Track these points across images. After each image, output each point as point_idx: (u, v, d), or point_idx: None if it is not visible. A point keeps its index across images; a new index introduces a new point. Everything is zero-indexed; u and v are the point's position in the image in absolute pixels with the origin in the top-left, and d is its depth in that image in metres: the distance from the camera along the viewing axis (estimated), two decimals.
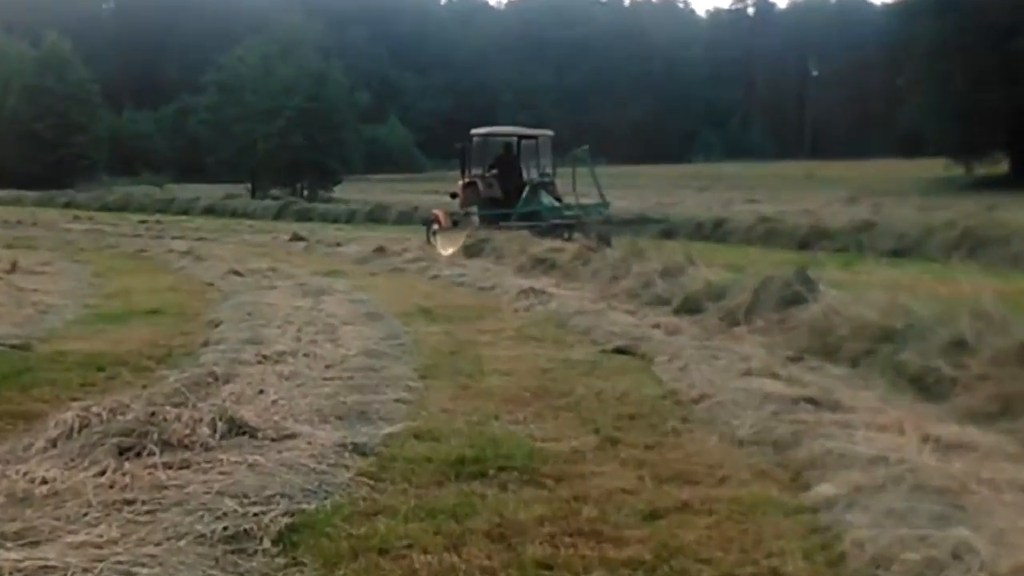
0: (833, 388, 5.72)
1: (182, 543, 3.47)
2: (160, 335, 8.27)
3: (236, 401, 5.42)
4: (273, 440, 4.66)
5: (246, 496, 3.90)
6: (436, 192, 30.93)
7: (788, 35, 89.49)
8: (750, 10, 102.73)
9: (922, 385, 5.57)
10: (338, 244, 18.26)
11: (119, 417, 4.62)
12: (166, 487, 3.99)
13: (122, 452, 4.28)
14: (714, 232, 19.53)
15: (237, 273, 12.81)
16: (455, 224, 17.09)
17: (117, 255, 17.34)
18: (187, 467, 4.22)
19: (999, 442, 4.56)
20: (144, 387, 5.87)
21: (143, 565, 3.27)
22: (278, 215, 30.49)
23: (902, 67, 46.62)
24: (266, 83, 47.88)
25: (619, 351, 7.36)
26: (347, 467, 4.43)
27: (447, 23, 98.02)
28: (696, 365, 6.46)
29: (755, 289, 8.14)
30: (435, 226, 17.45)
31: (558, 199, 17.25)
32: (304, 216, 29.76)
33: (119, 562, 3.27)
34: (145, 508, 3.77)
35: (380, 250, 15.94)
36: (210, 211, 32.87)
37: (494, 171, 17.77)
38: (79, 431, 4.50)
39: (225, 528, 3.60)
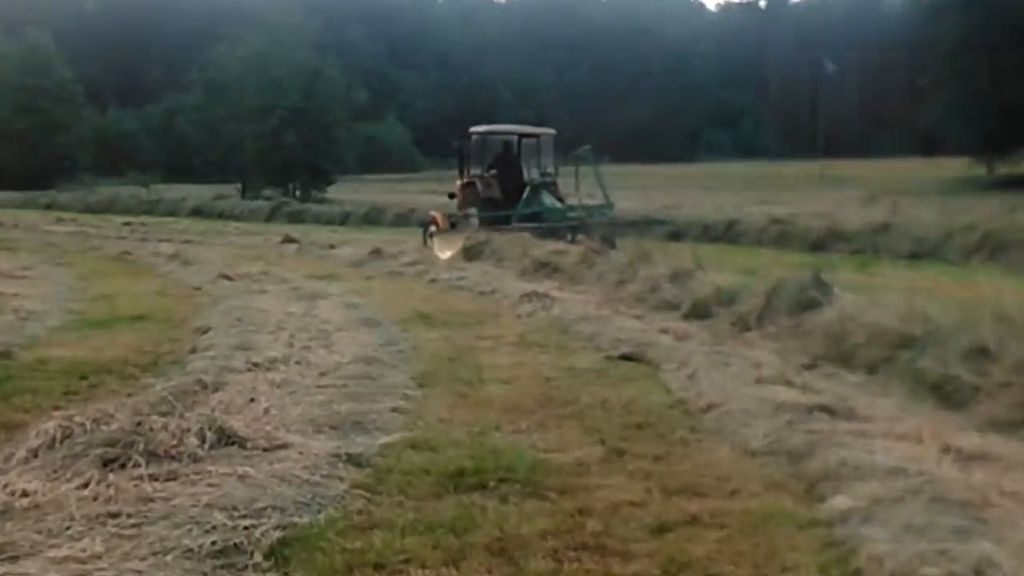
0: (849, 396, 5.68)
1: (169, 558, 3.41)
2: (146, 341, 8.21)
3: (225, 410, 5.36)
4: (264, 450, 4.64)
5: (236, 509, 3.84)
6: (434, 192, 30.88)
7: (801, 31, 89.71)
8: (762, 3, 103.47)
9: (942, 393, 5.54)
10: (332, 247, 18.11)
11: (103, 427, 4.60)
12: (152, 500, 3.92)
13: (106, 463, 4.25)
14: (725, 234, 19.42)
15: (226, 277, 12.66)
16: (453, 226, 16.95)
17: (101, 258, 17.24)
18: (174, 479, 4.17)
19: (1022, 452, 4.52)
20: (129, 396, 5.81)
21: None
22: (269, 217, 30.32)
23: (922, 64, 46.83)
24: (258, 81, 47.71)
25: (625, 358, 7.28)
26: (341, 479, 4.37)
27: (446, 20, 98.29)
28: (706, 372, 6.41)
29: (767, 293, 8.09)
30: (432, 228, 17.31)
31: (560, 200, 17.14)
32: (297, 218, 29.72)
33: None
34: (130, 521, 3.71)
35: (376, 253, 15.81)
36: (198, 212, 32.71)
37: (493, 171, 17.61)
38: (61, 441, 4.47)
39: (214, 542, 3.54)
